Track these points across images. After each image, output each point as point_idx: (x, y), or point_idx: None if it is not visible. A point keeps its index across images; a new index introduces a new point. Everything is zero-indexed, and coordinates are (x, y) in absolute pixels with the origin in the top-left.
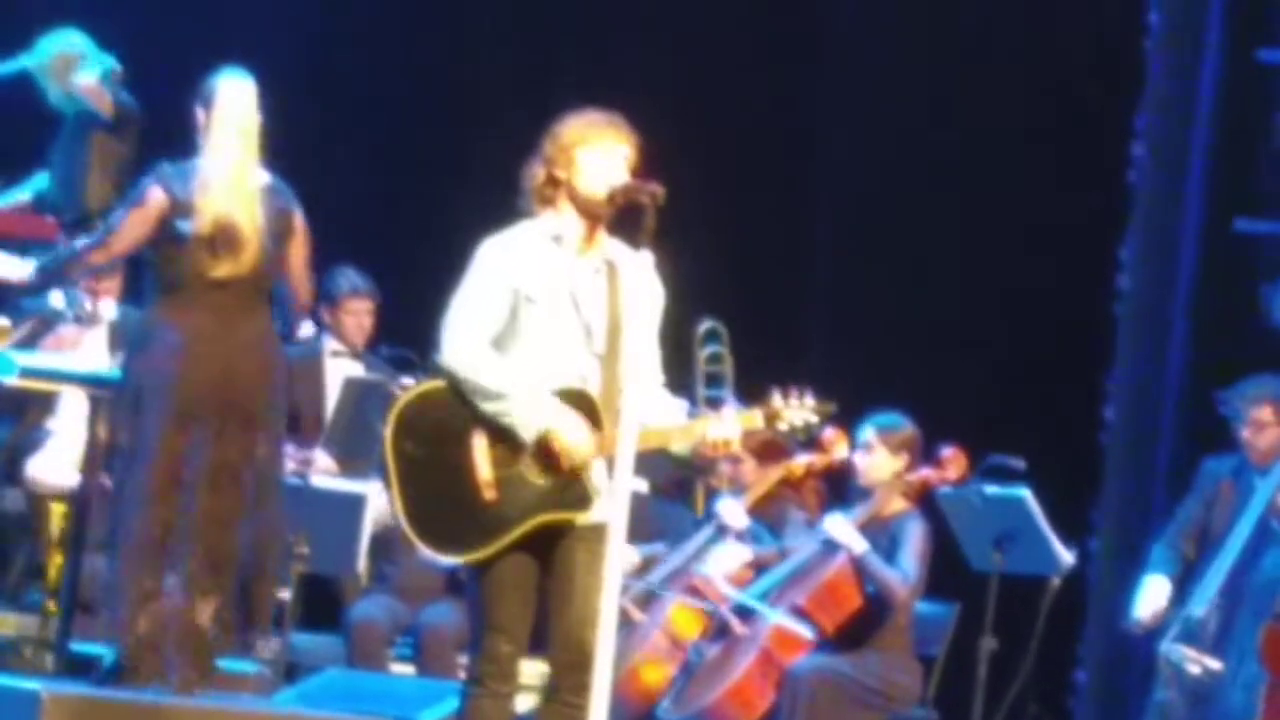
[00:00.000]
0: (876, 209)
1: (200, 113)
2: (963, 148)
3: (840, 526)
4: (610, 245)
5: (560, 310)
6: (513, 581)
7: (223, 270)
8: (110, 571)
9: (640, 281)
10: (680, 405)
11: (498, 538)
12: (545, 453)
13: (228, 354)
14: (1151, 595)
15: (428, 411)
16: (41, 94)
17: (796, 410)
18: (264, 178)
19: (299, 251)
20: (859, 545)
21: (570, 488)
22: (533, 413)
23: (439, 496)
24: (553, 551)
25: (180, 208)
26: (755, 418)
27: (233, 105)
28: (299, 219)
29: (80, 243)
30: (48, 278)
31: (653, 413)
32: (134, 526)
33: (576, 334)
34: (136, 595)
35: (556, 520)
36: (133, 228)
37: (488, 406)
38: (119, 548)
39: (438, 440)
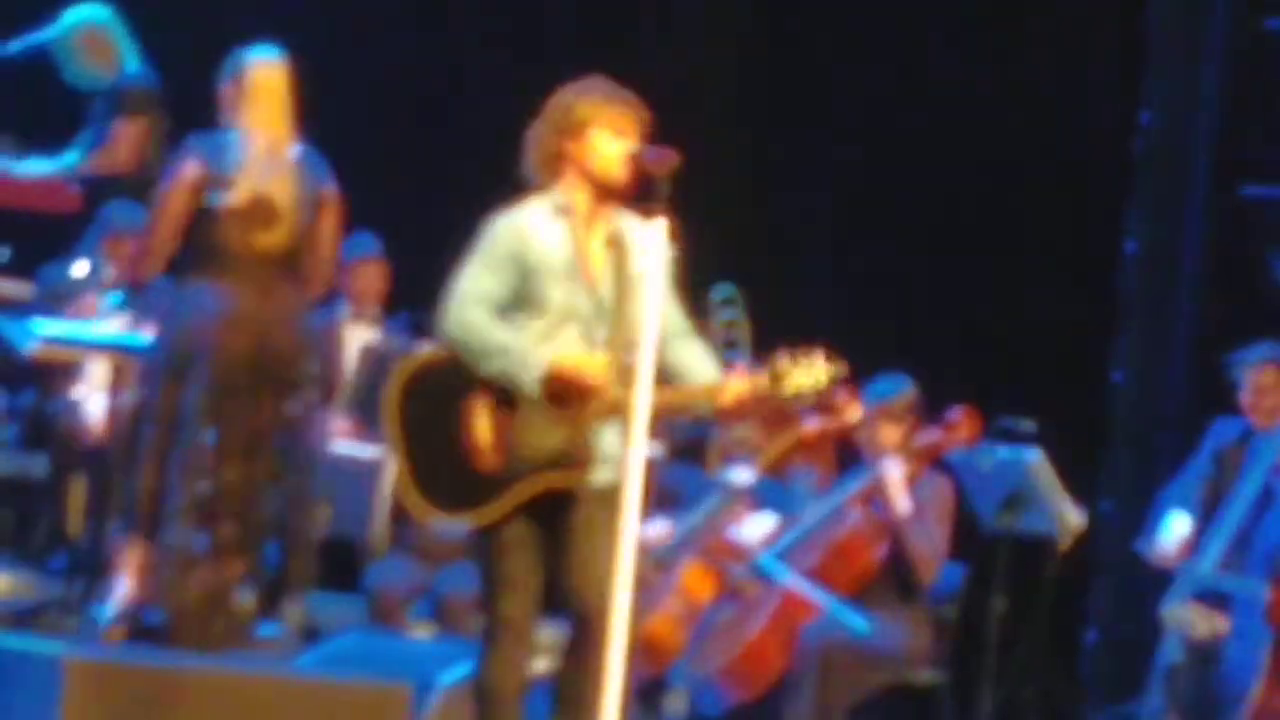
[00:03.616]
0: (886, 171)
1: (229, 88)
2: (972, 113)
3: (894, 474)
4: (618, 215)
5: (571, 282)
6: (520, 544)
7: (260, 243)
8: (161, 536)
9: (650, 249)
10: (712, 359)
11: (500, 500)
12: (558, 388)
13: (263, 324)
14: (1176, 530)
15: (429, 380)
16: (59, 71)
17: (804, 372)
18: (298, 150)
19: (329, 223)
20: (904, 506)
21: (575, 451)
22: (531, 360)
23: (442, 462)
24: (561, 515)
25: (215, 181)
26: (762, 381)
27: (267, 81)
28: (331, 191)
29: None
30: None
31: (693, 370)
32: (179, 493)
33: (588, 305)
34: (183, 560)
35: (560, 483)
36: (173, 203)
37: (488, 365)
38: (166, 514)
39: (440, 407)
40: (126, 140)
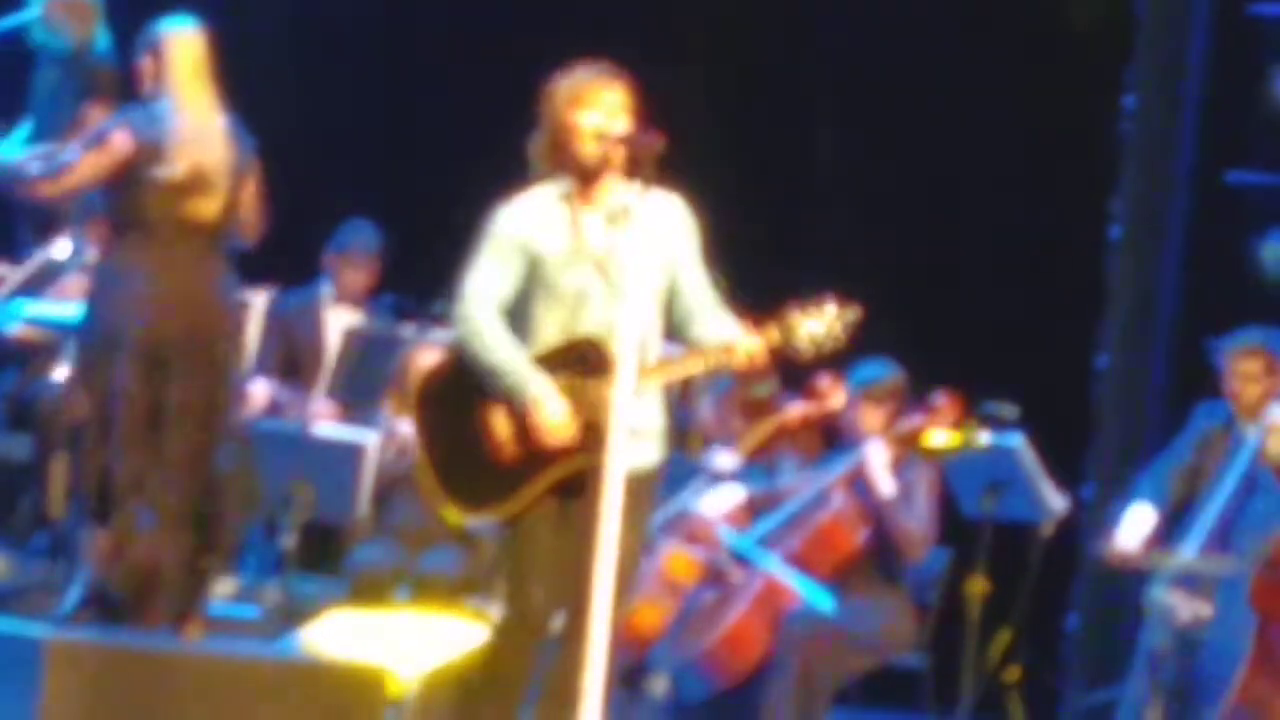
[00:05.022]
0: (869, 157)
1: (148, 61)
2: (958, 98)
3: (877, 457)
4: (624, 190)
5: (578, 264)
6: (542, 530)
7: (194, 215)
8: (80, 514)
9: (661, 219)
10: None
11: (525, 490)
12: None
13: (195, 297)
14: (1136, 525)
15: (447, 379)
16: (31, 36)
17: (816, 321)
18: (226, 121)
19: (252, 190)
20: (888, 488)
21: (591, 433)
22: (519, 393)
23: (465, 460)
24: (583, 502)
25: (150, 153)
26: (774, 335)
27: (187, 53)
28: (254, 161)
29: (33, 167)
30: None
31: (713, 337)
32: (110, 470)
33: (598, 284)
34: (109, 537)
35: (584, 464)
36: (88, 168)
37: (489, 377)
38: (91, 493)
39: (459, 405)
40: (85, 172)
